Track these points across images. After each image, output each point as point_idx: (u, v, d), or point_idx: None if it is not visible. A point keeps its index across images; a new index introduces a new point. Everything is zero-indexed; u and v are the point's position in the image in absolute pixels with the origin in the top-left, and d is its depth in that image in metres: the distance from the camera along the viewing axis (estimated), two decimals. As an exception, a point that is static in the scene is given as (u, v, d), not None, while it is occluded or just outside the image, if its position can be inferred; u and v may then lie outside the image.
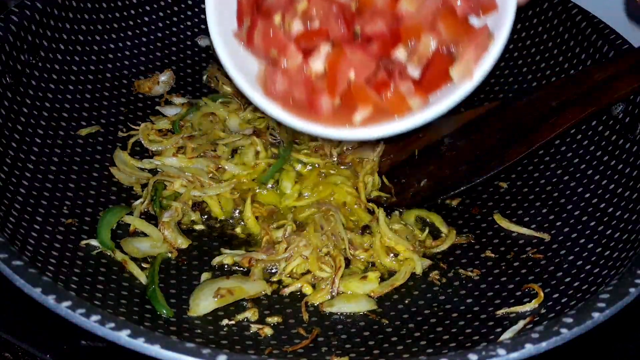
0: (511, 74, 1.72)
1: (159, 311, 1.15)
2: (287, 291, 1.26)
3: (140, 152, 1.50)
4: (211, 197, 1.40)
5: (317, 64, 1.00)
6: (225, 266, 1.30)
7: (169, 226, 1.33)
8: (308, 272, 1.29)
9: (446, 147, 1.51)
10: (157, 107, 1.62)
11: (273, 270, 1.30)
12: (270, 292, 1.26)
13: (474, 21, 1.01)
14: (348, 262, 1.31)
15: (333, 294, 1.25)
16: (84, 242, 1.24)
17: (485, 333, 1.14)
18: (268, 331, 1.17)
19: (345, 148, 1.53)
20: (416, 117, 0.99)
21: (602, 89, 1.37)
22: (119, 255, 1.25)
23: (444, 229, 1.41)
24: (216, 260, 1.30)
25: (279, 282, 1.28)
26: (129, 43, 1.69)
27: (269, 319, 1.20)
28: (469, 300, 1.25)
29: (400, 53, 1.00)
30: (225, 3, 1.12)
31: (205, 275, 1.27)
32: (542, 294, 1.19)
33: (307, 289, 1.27)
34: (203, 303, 1.19)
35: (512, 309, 1.19)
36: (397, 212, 1.43)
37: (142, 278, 1.22)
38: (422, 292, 1.28)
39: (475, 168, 1.44)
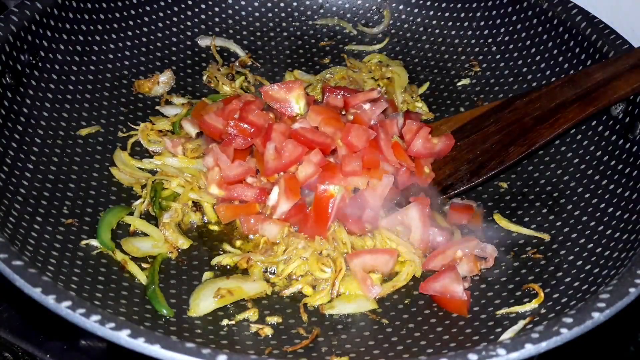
0: (511, 74, 1.72)
1: (159, 311, 1.15)
2: (287, 292, 1.26)
3: (140, 152, 1.50)
4: (207, 202, 1.40)
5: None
6: (227, 266, 1.30)
7: (170, 227, 1.33)
8: (308, 272, 1.29)
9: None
10: (157, 107, 1.62)
11: (273, 270, 1.30)
12: (270, 292, 1.26)
13: None
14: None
15: (333, 296, 1.25)
16: (84, 242, 1.24)
17: (485, 333, 1.14)
18: (268, 331, 1.17)
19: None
20: None
21: (602, 89, 1.37)
22: (119, 256, 1.25)
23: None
24: (216, 260, 1.31)
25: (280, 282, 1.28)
26: (129, 43, 1.69)
27: (269, 319, 1.20)
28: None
29: None
30: None
31: (207, 275, 1.27)
32: (542, 294, 1.19)
33: (307, 290, 1.27)
34: (203, 303, 1.19)
35: (512, 309, 1.19)
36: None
37: (142, 278, 1.22)
38: (423, 292, 1.28)
39: (475, 168, 1.44)
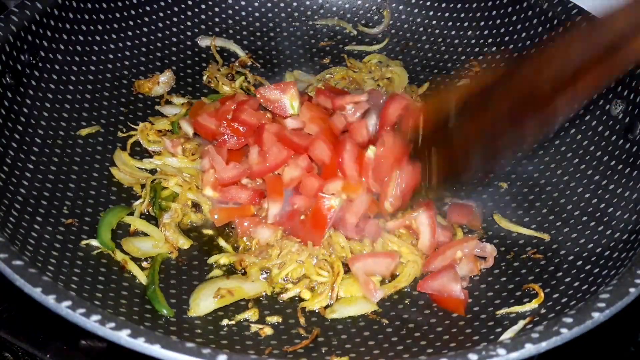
0: (511, 74, 1.72)
1: (160, 311, 1.15)
2: (285, 297, 1.26)
3: (141, 152, 1.50)
4: (205, 202, 1.40)
5: None
6: (226, 265, 1.30)
7: (170, 227, 1.33)
8: (304, 276, 1.29)
9: (451, 131, 1.29)
10: (157, 107, 1.62)
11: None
12: (270, 292, 1.26)
13: None
14: (347, 266, 1.30)
15: (332, 300, 1.25)
16: (84, 242, 1.24)
17: (485, 333, 1.14)
18: (268, 331, 1.17)
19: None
20: None
21: (625, 41, 1.05)
22: (119, 256, 1.24)
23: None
24: (213, 259, 1.31)
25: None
26: (129, 43, 1.69)
27: (269, 319, 1.20)
28: (469, 300, 1.25)
29: None
30: None
31: (215, 272, 1.28)
32: (542, 294, 1.19)
33: (306, 294, 1.26)
34: (203, 303, 1.19)
35: (512, 309, 1.19)
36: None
37: (142, 278, 1.22)
38: (422, 292, 1.28)
39: (488, 152, 1.27)
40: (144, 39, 1.73)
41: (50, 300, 0.90)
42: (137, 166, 1.46)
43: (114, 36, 1.66)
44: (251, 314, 1.20)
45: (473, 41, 1.83)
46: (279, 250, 1.30)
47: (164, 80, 1.65)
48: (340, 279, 1.26)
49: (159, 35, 1.76)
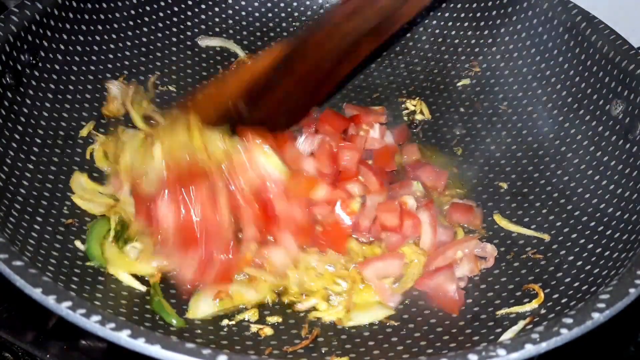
0: (511, 74, 1.72)
1: (169, 322, 1.14)
2: (301, 308, 1.23)
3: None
4: None
5: None
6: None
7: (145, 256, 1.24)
8: (323, 287, 1.26)
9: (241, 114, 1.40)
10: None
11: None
12: (274, 298, 1.24)
13: None
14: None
15: (349, 308, 1.23)
16: (84, 242, 1.24)
17: (485, 333, 1.15)
18: (268, 331, 1.17)
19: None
20: None
21: (391, 18, 1.36)
22: (112, 270, 1.19)
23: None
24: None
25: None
26: (129, 43, 1.69)
27: (269, 319, 1.20)
28: (468, 301, 1.25)
29: None
30: None
31: None
32: (542, 294, 1.19)
33: (321, 305, 1.23)
34: (203, 306, 1.18)
35: (512, 309, 1.19)
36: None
37: (139, 286, 1.20)
38: (423, 292, 1.28)
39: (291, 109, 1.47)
40: (144, 39, 1.73)
41: (50, 301, 0.90)
42: (99, 191, 1.34)
43: (114, 36, 1.65)
44: (251, 314, 1.20)
45: (473, 41, 1.83)
46: (297, 274, 1.26)
47: (115, 94, 1.52)
48: (357, 288, 1.25)
49: (159, 35, 1.76)
